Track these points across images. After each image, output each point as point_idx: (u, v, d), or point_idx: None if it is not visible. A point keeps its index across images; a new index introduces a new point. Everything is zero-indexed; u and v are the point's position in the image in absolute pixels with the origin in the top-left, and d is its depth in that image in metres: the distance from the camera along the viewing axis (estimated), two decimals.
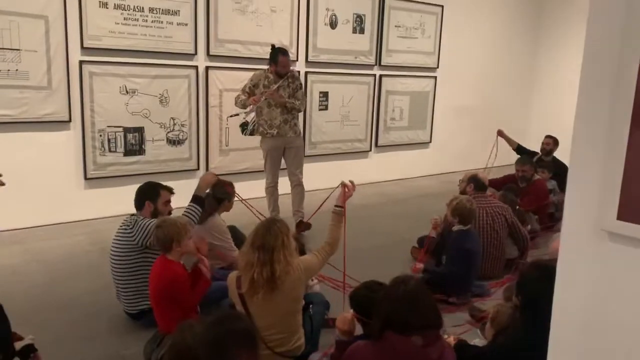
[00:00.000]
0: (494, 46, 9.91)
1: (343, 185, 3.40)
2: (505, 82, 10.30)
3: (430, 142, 9.19)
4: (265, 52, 6.94)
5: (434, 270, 4.18)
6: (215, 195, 4.09)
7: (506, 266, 4.84)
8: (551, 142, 7.02)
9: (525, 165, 5.99)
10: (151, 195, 3.69)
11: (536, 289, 2.43)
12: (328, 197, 3.78)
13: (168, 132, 6.36)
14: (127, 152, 6.09)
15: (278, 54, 5.50)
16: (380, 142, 8.45)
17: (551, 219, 6.16)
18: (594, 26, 1.30)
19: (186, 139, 6.52)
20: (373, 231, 5.99)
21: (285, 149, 5.72)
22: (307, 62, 7.39)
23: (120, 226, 3.65)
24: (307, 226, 5.59)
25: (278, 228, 2.91)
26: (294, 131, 5.70)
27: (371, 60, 8.07)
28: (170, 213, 3.76)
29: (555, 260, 2.74)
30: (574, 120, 1.45)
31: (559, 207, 6.37)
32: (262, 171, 7.13)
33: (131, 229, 3.52)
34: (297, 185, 5.83)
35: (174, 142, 6.43)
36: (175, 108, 6.35)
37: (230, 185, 4.34)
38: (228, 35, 6.59)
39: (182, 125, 6.46)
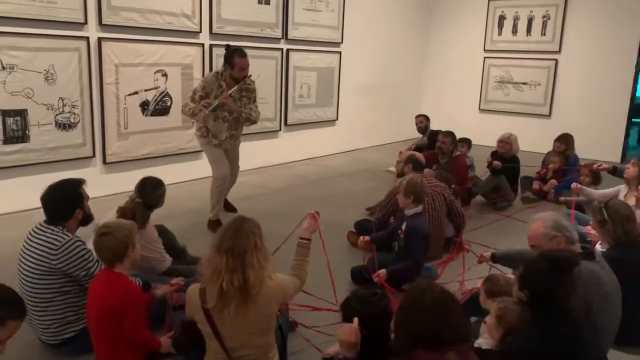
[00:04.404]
0: (393, 24, 9.89)
1: (311, 215, 2.93)
2: (402, 60, 10.37)
3: (337, 119, 8.99)
4: (166, 22, 6.26)
5: (397, 268, 3.87)
6: (145, 203, 3.46)
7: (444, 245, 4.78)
8: (424, 120, 7.48)
9: (447, 138, 5.98)
10: (79, 200, 2.97)
11: (545, 282, 2.24)
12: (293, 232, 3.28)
13: (57, 115, 5.45)
14: (8, 140, 5.13)
15: (234, 55, 4.78)
16: (289, 121, 8.07)
17: (470, 194, 6.25)
18: None
19: (78, 122, 5.65)
20: (297, 217, 5.62)
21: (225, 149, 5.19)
22: (212, 34, 6.76)
23: (32, 240, 2.88)
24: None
25: (249, 228, 2.45)
26: (236, 144, 5.24)
27: (277, 33, 7.61)
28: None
29: (561, 250, 2.60)
30: None
31: (476, 182, 6.51)
32: (168, 156, 6.54)
33: (55, 252, 2.79)
34: (234, 177, 5.49)
35: (64, 126, 5.54)
36: (64, 86, 5.45)
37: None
38: (123, 2, 5.76)
39: (74, 107, 5.57)
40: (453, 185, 4.96)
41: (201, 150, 6.69)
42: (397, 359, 1.89)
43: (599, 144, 8.92)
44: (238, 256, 2.38)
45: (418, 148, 7.07)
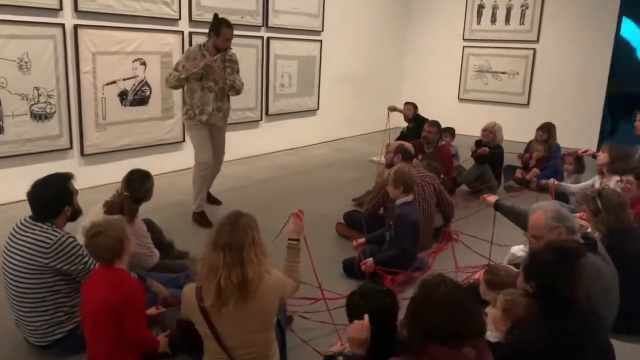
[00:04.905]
0: (373, 12, 9.81)
1: (295, 215, 2.83)
2: (382, 48, 10.30)
3: (318, 109, 8.89)
4: (144, 9, 6.07)
5: (384, 257, 3.86)
6: (133, 196, 3.32)
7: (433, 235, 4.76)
8: (412, 108, 7.47)
9: (433, 127, 5.97)
10: (68, 197, 2.82)
11: (552, 273, 2.21)
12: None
13: (32, 105, 5.24)
14: None
15: (222, 25, 4.74)
16: (271, 111, 7.94)
17: (454, 183, 6.25)
18: None
19: (55, 112, 5.44)
20: (283, 209, 5.54)
21: (211, 131, 5.09)
22: (191, 21, 6.59)
23: (18, 238, 2.72)
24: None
25: (246, 222, 2.36)
26: (225, 119, 5.14)
27: (258, 21, 7.46)
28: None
29: (567, 241, 2.58)
30: None
31: (460, 171, 6.52)
32: (148, 147, 6.37)
33: (48, 251, 2.65)
34: (218, 163, 5.38)
35: (40, 116, 5.32)
36: (39, 75, 5.24)
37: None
38: None
39: (49, 97, 5.36)
40: (442, 176, 4.94)
41: (181, 141, 6.61)
42: (410, 354, 1.84)
43: (576, 133, 8.99)
44: (236, 252, 2.30)
45: (403, 137, 7.04)
